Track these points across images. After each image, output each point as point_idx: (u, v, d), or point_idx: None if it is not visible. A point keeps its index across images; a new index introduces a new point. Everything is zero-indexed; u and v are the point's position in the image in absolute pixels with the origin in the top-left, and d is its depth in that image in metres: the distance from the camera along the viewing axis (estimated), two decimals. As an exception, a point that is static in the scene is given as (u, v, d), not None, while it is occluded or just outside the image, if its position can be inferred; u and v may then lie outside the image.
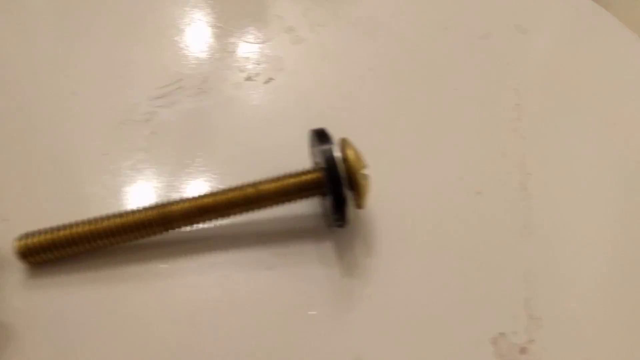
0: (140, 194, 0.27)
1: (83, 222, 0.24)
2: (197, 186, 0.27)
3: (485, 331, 0.23)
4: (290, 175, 0.25)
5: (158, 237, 0.25)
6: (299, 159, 0.27)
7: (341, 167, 0.23)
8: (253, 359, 0.22)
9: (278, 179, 0.25)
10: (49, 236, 0.24)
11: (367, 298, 0.25)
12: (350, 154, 0.24)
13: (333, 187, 0.23)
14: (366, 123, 0.26)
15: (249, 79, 0.33)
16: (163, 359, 0.22)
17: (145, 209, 0.24)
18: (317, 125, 0.27)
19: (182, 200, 0.24)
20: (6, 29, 0.36)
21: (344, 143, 0.24)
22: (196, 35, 0.36)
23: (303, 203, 0.27)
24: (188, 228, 0.25)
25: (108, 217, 0.24)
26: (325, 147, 0.23)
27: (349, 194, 0.23)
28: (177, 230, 0.25)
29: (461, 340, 0.23)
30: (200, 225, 0.25)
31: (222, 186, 0.25)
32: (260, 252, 0.26)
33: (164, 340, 0.23)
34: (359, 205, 0.24)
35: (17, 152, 0.29)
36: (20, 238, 0.24)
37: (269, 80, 0.33)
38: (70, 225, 0.24)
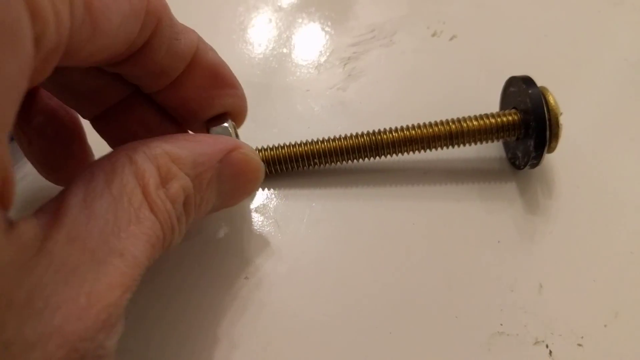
0: (344, 124, 0.31)
1: (301, 144, 0.28)
2: (396, 121, 0.30)
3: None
4: (491, 116, 0.27)
5: (360, 164, 0.29)
6: (483, 105, 0.30)
7: (546, 110, 0.25)
8: (445, 276, 0.26)
9: (480, 117, 0.27)
10: (271, 153, 0.28)
11: (548, 234, 0.27)
12: (552, 99, 0.26)
13: (538, 127, 0.25)
14: (542, 84, 0.28)
15: (434, 34, 0.36)
16: (367, 265, 0.26)
17: (358, 136, 0.28)
18: (498, 78, 0.30)
19: (391, 131, 0.28)
20: None
21: (545, 90, 0.27)
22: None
23: (485, 146, 0.30)
24: (389, 157, 0.29)
25: (323, 141, 0.28)
26: (533, 90, 0.26)
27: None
28: (383, 158, 0.28)
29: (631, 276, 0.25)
30: (397, 157, 0.29)
31: (419, 121, 0.28)
32: (448, 186, 0.29)
33: (369, 252, 0.27)
34: (551, 148, 0.27)
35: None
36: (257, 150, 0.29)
37: (452, 38, 0.36)
38: (295, 144, 0.28)
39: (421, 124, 0.28)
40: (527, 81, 0.26)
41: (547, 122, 0.25)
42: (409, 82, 0.34)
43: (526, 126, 0.27)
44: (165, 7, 0.19)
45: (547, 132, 0.25)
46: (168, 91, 0.22)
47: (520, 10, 0.38)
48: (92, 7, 0.15)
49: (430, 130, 0.28)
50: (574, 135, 0.30)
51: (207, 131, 0.24)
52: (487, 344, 0.24)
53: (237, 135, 0.24)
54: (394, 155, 0.28)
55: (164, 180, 0.18)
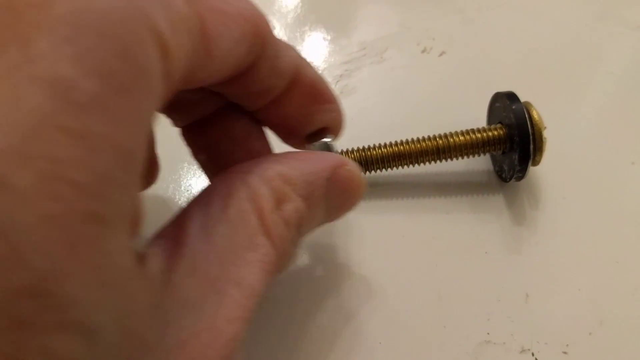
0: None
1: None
2: (386, 136, 0.31)
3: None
4: (477, 131, 0.28)
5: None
6: (471, 119, 0.31)
7: (530, 125, 0.26)
8: (434, 286, 0.26)
9: (467, 132, 0.28)
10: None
11: (534, 244, 0.28)
12: (535, 114, 0.27)
13: (522, 142, 0.26)
14: (530, 98, 0.29)
15: (424, 51, 0.37)
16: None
17: (349, 152, 0.29)
18: (486, 93, 0.30)
19: (381, 147, 0.29)
20: None
21: (529, 105, 0.27)
22: (373, 13, 0.41)
23: (473, 160, 0.31)
24: (379, 172, 0.30)
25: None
26: (517, 105, 0.27)
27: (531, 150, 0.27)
28: (372, 173, 0.29)
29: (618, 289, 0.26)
30: (387, 171, 0.30)
31: (409, 136, 0.29)
32: (437, 199, 0.30)
33: (359, 263, 0.27)
34: (535, 161, 0.28)
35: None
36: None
37: (442, 54, 0.37)
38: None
39: (410, 139, 0.29)
40: (511, 97, 0.27)
41: (531, 137, 0.26)
42: (399, 98, 0.35)
43: (511, 140, 0.27)
44: (270, 28, 0.19)
45: (531, 146, 0.26)
46: (268, 108, 0.21)
47: (508, 25, 0.39)
48: (208, 36, 0.15)
49: (419, 145, 0.28)
50: (560, 148, 0.31)
51: (305, 147, 0.24)
52: (474, 352, 0.24)
53: (336, 150, 0.24)
54: (384, 170, 0.29)
55: (278, 203, 0.18)
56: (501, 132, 0.28)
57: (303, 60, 0.21)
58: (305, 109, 0.22)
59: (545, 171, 0.30)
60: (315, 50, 0.38)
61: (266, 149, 0.23)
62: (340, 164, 0.20)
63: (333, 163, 0.20)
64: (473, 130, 0.28)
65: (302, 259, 0.28)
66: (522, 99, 0.28)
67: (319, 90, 0.22)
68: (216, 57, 0.16)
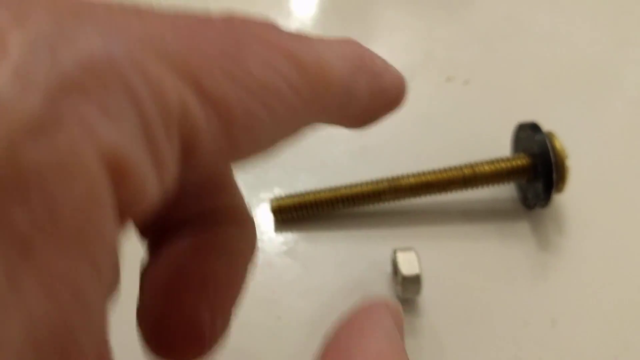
0: (365, 168, 0.34)
1: (325, 190, 0.31)
2: (413, 165, 0.32)
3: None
4: (502, 160, 0.29)
5: (381, 206, 0.31)
6: (496, 147, 0.32)
7: (552, 154, 0.27)
8: (462, 311, 0.27)
9: (492, 162, 0.29)
10: (297, 199, 0.31)
11: (560, 270, 0.29)
12: (557, 144, 0.28)
13: (545, 171, 0.27)
14: (553, 124, 0.30)
15: (449, 80, 0.39)
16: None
17: (379, 182, 0.30)
18: (510, 120, 0.32)
19: (409, 176, 0.30)
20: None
21: (551, 135, 0.28)
22: (398, 42, 0.42)
23: (498, 187, 0.32)
24: (407, 200, 0.31)
25: (346, 187, 0.31)
26: (539, 136, 0.28)
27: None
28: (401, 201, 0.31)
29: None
30: (415, 199, 0.31)
31: (435, 166, 0.30)
32: (465, 226, 0.31)
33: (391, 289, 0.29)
34: (559, 189, 0.28)
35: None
36: (275, 199, 0.31)
37: (466, 83, 0.38)
38: (316, 192, 0.31)
39: (437, 169, 0.30)
40: (534, 127, 0.28)
41: (554, 166, 0.27)
42: (425, 127, 0.36)
43: (535, 169, 0.28)
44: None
45: (554, 175, 0.27)
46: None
47: (530, 53, 0.40)
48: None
49: (446, 175, 0.30)
50: (584, 174, 0.32)
51: None
52: (503, 377, 0.25)
53: None
54: (412, 198, 0.30)
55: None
56: (525, 162, 0.29)
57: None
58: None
59: (569, 197, 0.31)
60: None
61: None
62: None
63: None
64: (498, 160, 0.29)
65: (345, 289, 0.29)
66: (546, 123, 0.29)
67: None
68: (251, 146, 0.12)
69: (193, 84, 0.10)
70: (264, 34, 0.12)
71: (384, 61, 0.15)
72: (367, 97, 0.14)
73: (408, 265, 0.27)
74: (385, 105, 0.16)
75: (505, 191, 0.32)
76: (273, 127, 0.11)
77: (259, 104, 0.11)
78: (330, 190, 0.31)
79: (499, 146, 0.32)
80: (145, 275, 0.15)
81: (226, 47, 0.11)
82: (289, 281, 0.29)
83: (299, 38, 0.12)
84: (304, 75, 0.12)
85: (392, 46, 0.42)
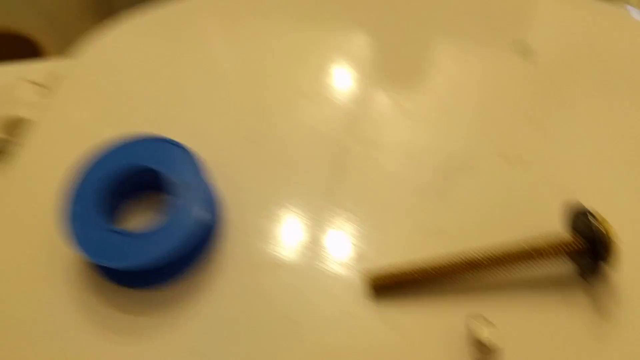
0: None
1: (420, 265, 0.36)
2: (476, 242, 0.37)
3: None
4: (559, 240, 0.34)
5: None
6: (552, 225, 0.36)
7: (604, 238, 0.32)
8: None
9: (549, 242, 0.34)
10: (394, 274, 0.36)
11: (618, 339, 0.33)
12: (608, 227, 0.33)
13: (598, 252, 0.32)
14: (605, 203, 0.35)
15: (507, 160, 0.44)
16: None
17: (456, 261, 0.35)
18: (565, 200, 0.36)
19: (478, 255, 0.35)
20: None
21: (601, 217, 0.33)
22: (456, 124, 0.48)
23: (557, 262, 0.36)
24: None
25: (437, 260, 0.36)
26: (593, 222, 0.32)
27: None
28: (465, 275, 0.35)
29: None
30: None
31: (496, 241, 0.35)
32: (531, 296, 0.36)
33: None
34: (611, 265, 0.33)
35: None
36: (373, 275, 0.36)
37: (523, 164, 0.43)
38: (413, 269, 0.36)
39: (505, 249, 0.35)
40: (585, 213, 0.33)
41: (605, 247, 0.32)
42: (488, 207, 0.41)
43: (589, 249, 0.33)
44: None
45: (606, 255, 0.32)
46: None
47: (582, 136, 0.45)
48: None
49: (508, 254, 0.34)
50: (637, 248, 0.36)
51: None
52: None
53: None
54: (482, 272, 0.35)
55: None
56: (580, 243, 0.33)
57: None
58: None
59: (623, 272, 0.35)
60: (405, 159, 0.45)
61: None
62: None
63: None
64: (555, 239, 0.34)
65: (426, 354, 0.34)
66: (597, 203, 0.33)
67: None
68: None
69: None
70: None
71: None
72: None
73: (483, 331, 0.31)
74: None
75: (562, 264, 0.36)
76: None
77: None
78: (425, 263, 0.36)
79: (555, 225, 0.37)
80: None
81: None
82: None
83: None
84: None
85: (450, 127, 0.47)
